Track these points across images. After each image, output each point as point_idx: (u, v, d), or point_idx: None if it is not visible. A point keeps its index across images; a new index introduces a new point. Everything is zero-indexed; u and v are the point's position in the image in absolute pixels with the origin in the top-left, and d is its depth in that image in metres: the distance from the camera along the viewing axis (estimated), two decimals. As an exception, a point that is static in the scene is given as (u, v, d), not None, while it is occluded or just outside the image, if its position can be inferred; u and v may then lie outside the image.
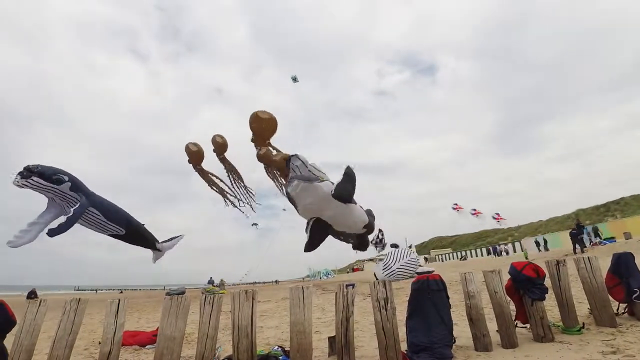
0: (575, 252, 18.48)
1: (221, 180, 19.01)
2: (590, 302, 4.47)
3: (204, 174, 18.90)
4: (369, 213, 19.63)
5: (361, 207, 17.78)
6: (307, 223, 16.22)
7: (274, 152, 17.90)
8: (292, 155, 14.64)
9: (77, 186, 8.11)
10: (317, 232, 16.58)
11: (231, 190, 19.11)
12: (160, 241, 10.99)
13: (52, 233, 7.66)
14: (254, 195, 19.65)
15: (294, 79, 21.64)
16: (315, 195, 14.31)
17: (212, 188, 19.32)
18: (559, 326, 4.28)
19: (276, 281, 69.64)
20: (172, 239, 11.47)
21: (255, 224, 36.09)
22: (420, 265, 18.01)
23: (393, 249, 18.77)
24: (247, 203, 19.73)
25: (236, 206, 19.62)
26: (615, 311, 4.47)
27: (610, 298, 4.48)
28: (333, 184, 15.25)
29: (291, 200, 14.79)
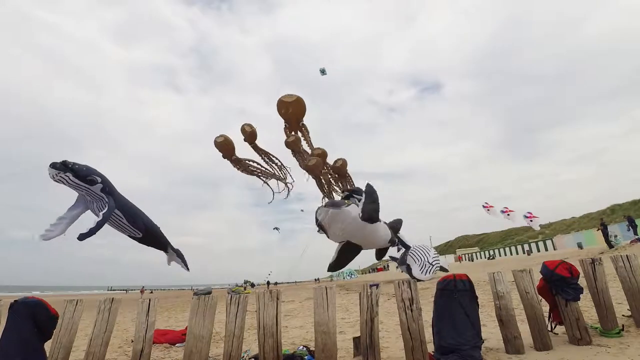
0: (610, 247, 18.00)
1: (258, 163, 19.23)
2: (630, 303, 4.23)
3: (239, 163, 19.09)
4: (395, 225, 19.17)
5: (385, 222, 17.49)
6: (339, 245, 16.04)
7: (313, 156, 17.70)
8: (324, 209, 14.42)
9: (107, 188, 8.47)
10: (345, 254, 16.45)
11: (270, 170, 19.32)
12: (173, 246, 11.23)
13: (82, 237, 8.03)
14: (290, 171, 19.87)
15: (322, 71, 21.48)
16: (345, 221, 14.19)
17: (252, 173, 19.48)
18: (596, 328, 4.08)
19: (295, 282, 69.94)
20: (183, 260, 11.68)
21: (277, 228, 36.60)
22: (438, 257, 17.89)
23: (413, 250, 18.38)
24: (285, 181, 19.93)
25: (271, 188, 19.86)
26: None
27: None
28: (358, 205, 15.10)
29: (321, 227, 14.60)
